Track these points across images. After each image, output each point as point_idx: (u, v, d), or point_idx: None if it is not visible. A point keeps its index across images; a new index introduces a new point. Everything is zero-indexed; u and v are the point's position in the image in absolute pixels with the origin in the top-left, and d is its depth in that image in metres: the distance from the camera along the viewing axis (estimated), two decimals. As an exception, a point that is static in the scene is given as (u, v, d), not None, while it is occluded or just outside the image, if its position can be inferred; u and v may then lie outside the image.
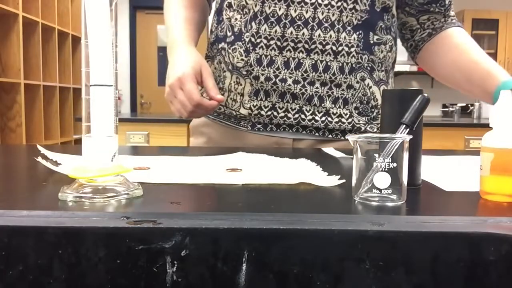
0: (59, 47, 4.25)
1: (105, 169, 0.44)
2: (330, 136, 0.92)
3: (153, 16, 5.51)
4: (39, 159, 0.61)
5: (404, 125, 0.49)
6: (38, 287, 0.36)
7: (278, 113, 0.90)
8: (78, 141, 1.49)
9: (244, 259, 0.36)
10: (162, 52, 5.63)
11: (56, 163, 0.61)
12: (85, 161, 0.44)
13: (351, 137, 0.45)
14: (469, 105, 4.12)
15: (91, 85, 0.43)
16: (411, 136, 0.45)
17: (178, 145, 2.16)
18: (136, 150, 0.95)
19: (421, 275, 0.37)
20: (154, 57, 5.59)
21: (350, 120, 0.91)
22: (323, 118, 0.90)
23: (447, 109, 4.20)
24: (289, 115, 0.90)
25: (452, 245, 0.37)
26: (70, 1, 4.47)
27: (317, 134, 0.92)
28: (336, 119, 0.91)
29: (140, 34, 5.49)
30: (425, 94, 0.51)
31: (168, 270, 0.36)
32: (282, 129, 0.92)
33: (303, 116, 0.90)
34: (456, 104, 3.94)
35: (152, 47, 5.57)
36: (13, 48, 3.53)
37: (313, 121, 0.90)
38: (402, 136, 0.45)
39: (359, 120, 0.92)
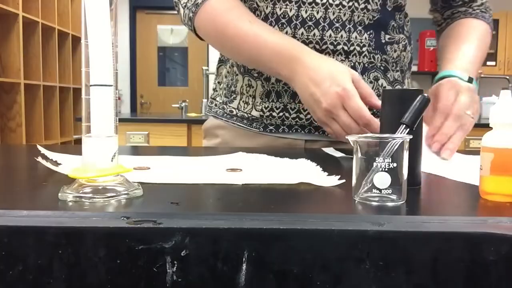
0: (59, 47, 4.25)
1: (105, 169, 0.44)
2: None
3: (153, 16, 5.51)
4: (39, 159, 0.61)
5: (404, 125, 0.49)
6: (38, 287, 0.36)
7: (290, 114, 0.90)
8: (78, 141, 1.49)
9: (244, 259, 0.36)
10: (162, 52, 5.64)
11: (56, 163, 0.61)
12: (85, 161, 0.44)
13: (351, 137, 0.45)
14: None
15: (91, 85, 0.43)
16: (411, 136, 0.45)
17: (178, 145, 2.16)
18: (136, 150, 0.95)
19: (421, 275, 0.37)
20: (154, 57, 5.58)
21: None
22: None
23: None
24: (301, 115, 0.90)
25: (452, 245, 0.37)
26: (70, 1, 4.47)
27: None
28: None
29: (140, 34, 5.49)
30: (425, 94, 0.51)
31: (168, 270, 0.36)
32: (294, 130, 0.91)
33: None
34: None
35: (152, 47, 5.57)
36: (13, 48, 3.53)
37: None
38: (402, 136, 0.45)
39: None
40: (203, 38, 0.92)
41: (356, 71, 0.88)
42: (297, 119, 0.90)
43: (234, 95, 0.95)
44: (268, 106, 0.91)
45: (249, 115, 0.92)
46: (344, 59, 0.87)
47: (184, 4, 0.89)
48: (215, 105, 1.00)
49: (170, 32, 5.58)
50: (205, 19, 0.86)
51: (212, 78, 3.92)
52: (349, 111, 0.72)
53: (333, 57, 0.87)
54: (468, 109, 0.79)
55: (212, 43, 0.92)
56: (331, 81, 0.73)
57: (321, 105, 0.74)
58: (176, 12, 0.93)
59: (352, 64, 0.88)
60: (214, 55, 4.89)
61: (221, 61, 1.01)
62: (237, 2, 0.86)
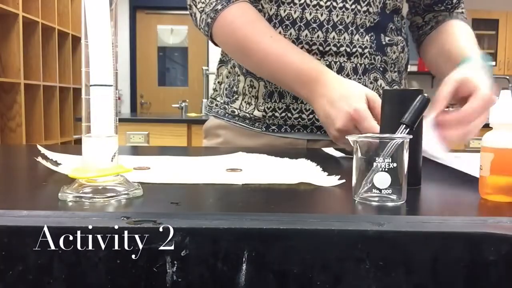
0: (59, 47, 4.25)
1: (105, 169, 0.44)
2: None
3: (153, 16, 5.51)
4: (39, 159, 0.61)
5: (404, 125, 0.49)
6: (38, 287, 0.36)
7: (292, 114, 0.90)
8: (78, 141, 1.49)
9: (244, 259, 0.36)
10: (162, 52, 5.64)
11: (56, 163, 0.61)
12: (85, 161, 0.44)
13: (351, 137, 0.45)
14: (469, 105, 4.11)
15: (91, 85, 0.43)
16: (411, 136, 0.45)
17: (178, 145, 2.16)
18: (136, 150, 0.95)
19: (421, 275, 0.37)
20: (154, 57, 5.59)
21: None
22: None
23: (447, 109, 4.19)
24: (303, 116, 0.90)
25: (452, 245, 0.37)
26: (70, 1, 4.47)
27: None
28: None
29: (140, 34, 5.49)
30: (425, 94, 0.51)
31: (168, 270, 0.36)
32: (296, 130, 0.92)
33: (317, 116, 0.90)
34: (456, 104, 3.93)
35: (152, 47, 5.57)
36: (13, 48, 3.53)
37: None
38: (402, 136, 0.45)
39: None
40: (220, 46, 0.91)
41: (357, 72, 0.89)
42: (299, 119, 0.90)
43: (236, 96, 0.95)
44: (270, 107, 0.91)
45: (251, 115, 0.93)
46: (346, 60, 0.88)
47: (202, 9, 0.87)
48: (216, 105, 1.00)
49: (170, 32, 5.58)
50: (225, 28, 0.86)
51: (212, 78, 3.92)
52: (361, 132, 0.72)
53: (336, 58, 0.88)
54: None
55: (231, 54, 0.93)
56: (345, 101, 0.74)
57: (335, 125, 0.75)
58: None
59: (354, 66, 0.88)
60: (214, 55, 4.89)
61: (222, 62, 1.01)
62: (257, 14, 0.86)
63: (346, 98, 0.74)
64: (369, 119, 0.71)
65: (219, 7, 0.84)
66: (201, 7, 0.87)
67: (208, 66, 4.73)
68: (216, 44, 0.91)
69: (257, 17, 0.85)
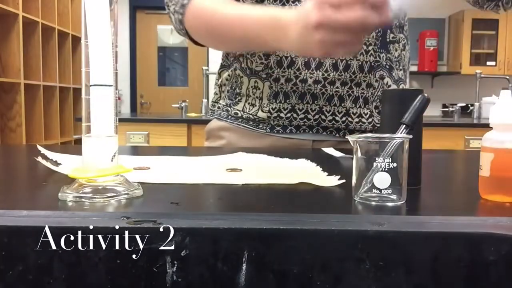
0: (59, 47, 4.25)
1: (105, 169, 0.44)
2: None
3: (153, 16, 5.51)
4: (39, 159, 0.61)
5: (404, 125, 0.49)
6: (38, 287, 0.36)
7: (297, 114, 0.90)
8: (78, 141, 1.49)
9: (244, 259, 0.36)
10: (162, 52, 5.63)
11: (56, 163, 0.61)
12: (85, 161, 0.44)
13: (351, 137, 0.45)
14: (469, 105, 4.12)
15: (91, 85, 0.43)
16: (411, 136, 0.45)
17: (178, 145, 2.16)
18: (136, 150, 0.95)
19: (421, 275, 0.37)
20: (154, 57, 5.58)
21: (370, 120, 0.91)
22: (344, 118, 0.90)
23: (447, 109, 4.20)
24: (309, 116, 0.90)
25: (452, 245, 0.37)
26: (70, 1, 4.47)
27: (337, 135, 0.92)
28: (357, 119, 0.91)
29: (140, 34, 5.49)
30: (425, 94, 0.51)
31: (168, 270, 0.36)
32: (302, 131, 0.92)
33: (323, 116, 0.90)
34: (456, 104, 3.93)
35: (152, 47, 5.57)
36: (13, 48, 3.53)
37: (333, 121, 0.90)
38: (402, 136, 0.45)
39: (379, 120, 0.91)
40: (196, 39, 0.91)
41: (364, 70, 0.89)
42: (305, 120, 0.90)
43: (239, 97, 0.94)
44: (275, 107, 0.91)
45: (255, 116, 0.92)
46: (352, 58, 0.88)
47: (174, 10, 0.89)
48: (218, 107, 1.00)
49: (170, 32, 5.57)
50: (193, 17, 0.86)
51: (212, 78, 3.91)
52: (333, 29, 0.58)
53: (341, 56, 0.87)
54: None
55: (204, 39, 0.90)
56: (303, 18, 0.61)
57: (311, 24, 0.60)
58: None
59: (360, 63, 0.88)
60: (214, 55, 4.88)
61: (223, 66, 1.01)
62: None
63: (302, 15, 0.62)
64: (329, 9, 0.58)
65: (185, 1, 0.85)
66: (173, 9, 0.89)
67: (208, 66, 4.72)
68: (196, 43, 0.90)
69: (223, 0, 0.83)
